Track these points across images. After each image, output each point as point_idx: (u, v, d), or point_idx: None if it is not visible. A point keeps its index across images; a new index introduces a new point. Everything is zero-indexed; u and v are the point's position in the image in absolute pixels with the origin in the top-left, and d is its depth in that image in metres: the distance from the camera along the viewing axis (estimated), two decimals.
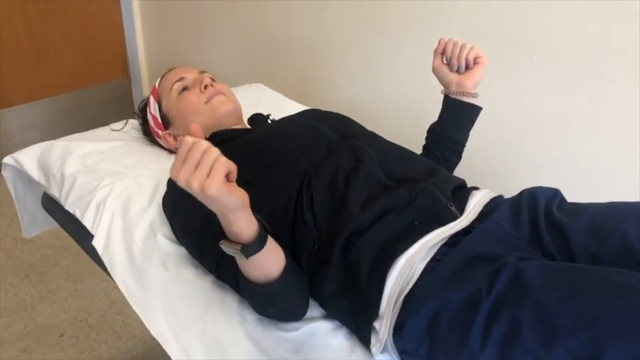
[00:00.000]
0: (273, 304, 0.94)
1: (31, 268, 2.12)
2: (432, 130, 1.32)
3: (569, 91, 1.52)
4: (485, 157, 1.67)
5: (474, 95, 1.23)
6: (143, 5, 2.88)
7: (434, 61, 1.25)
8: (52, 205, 1.38)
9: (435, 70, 1.25)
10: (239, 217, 0.80)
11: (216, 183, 0.73)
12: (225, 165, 0.74)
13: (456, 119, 1.28)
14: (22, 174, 1.44)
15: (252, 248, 0.82)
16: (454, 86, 1.23)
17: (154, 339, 1.00)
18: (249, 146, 1.16)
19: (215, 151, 0.74)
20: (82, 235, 1.25)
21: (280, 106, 1.65)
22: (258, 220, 0.84)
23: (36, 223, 1.55)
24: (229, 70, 2.50)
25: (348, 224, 0.96)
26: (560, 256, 0.92)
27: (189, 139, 0.74)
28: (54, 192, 1.33)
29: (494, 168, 1.72)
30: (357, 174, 1.03)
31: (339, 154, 1.08)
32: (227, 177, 0.76)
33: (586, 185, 1.53)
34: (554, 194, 1.02)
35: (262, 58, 2.38)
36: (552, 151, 1.61)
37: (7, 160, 1.42)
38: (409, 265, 0.89)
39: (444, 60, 1.24)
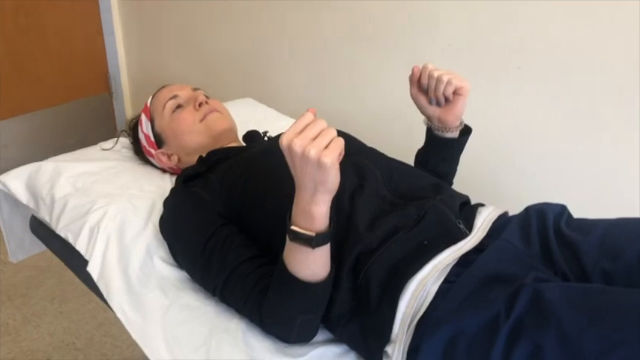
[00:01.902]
0: (304, 311, 0.92)
1: (13, 290, 2.05)
2: (419, 161, 1.27)
3: (557, 100, 1.52)
4: (473, 168, 1.66)
5: (458, 128, 1.18)
6: (124, 20, 2.84)
7: (410, 89, 1.16)
8: (41, 230, 1.33)
9: (412, 98, 1.18)
10: (326, 200, 0.84)
11: (334, 155, 0.78)
12: (342, 143, 0.80)
13: (441, 155, 1.23)
14: (8, 196, 1.39)
15: (324, 237, 0.85)
16: (435, 121, 1.17)
17: None
18: (249, 165, 1.13)
19: (333, 130, 0.80)
20: (74, 261, 1.20)
21: (273, 122, 1.63)
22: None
23: (24, 247, 1.49)
24: (213, 86, 2.47)
25: (356, 245, 0.94)
26: (572, 273, 0.91)
27: (310, 115, 0.80)
28: (44, 216, 1.28)
29: (483, 179, 1.72)
30: (362, 192, 1.01)
31: (342, 173, 1.05)
32: None
33: (576, 196, 1.53)
34: (562, 210, 1.01)
35: (245, 73, 2.35)
36: (542, 161, 1.61)
37: None
38: (422, 288, 0.87)
39: (422, 86, 1.15)
